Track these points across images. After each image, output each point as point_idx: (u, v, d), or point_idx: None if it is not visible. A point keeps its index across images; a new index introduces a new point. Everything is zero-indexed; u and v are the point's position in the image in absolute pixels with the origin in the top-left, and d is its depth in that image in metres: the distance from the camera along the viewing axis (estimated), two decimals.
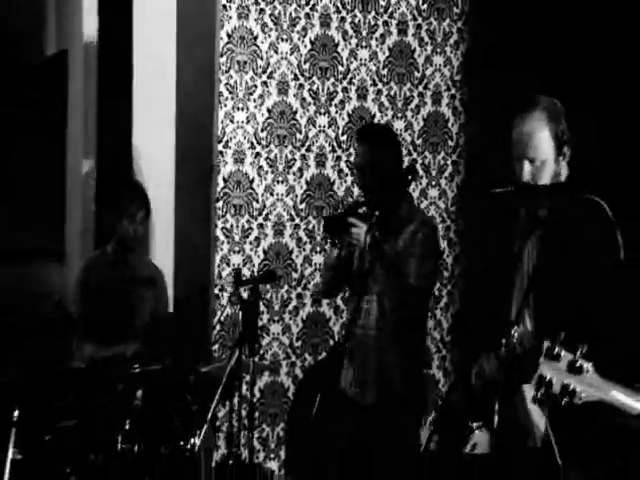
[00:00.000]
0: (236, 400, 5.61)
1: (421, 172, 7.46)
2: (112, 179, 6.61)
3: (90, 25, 7.38)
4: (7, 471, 4.57)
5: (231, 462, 5.63)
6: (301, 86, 7.15)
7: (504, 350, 3.82)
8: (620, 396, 2.75)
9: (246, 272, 6.75)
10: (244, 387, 5.63)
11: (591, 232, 3.83)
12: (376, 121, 7.30)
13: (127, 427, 4.98)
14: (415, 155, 7.43)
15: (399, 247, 4.62)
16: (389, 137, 5.41)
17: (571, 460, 3.77)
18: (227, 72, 6.93)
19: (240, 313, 5.29)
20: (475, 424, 4.06)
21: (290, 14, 7.09)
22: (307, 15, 7.14)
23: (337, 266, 5.18)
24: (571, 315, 3.73)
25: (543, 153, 3.92)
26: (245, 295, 5.30)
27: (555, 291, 3.79)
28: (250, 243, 7.01)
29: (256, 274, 6.38)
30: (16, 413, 4.77)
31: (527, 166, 3.91)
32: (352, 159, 5.91)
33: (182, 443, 5.06)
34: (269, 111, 7.06)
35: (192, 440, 5.04)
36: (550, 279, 3.80)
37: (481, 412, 4.01)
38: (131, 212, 5.90)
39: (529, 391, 3.84)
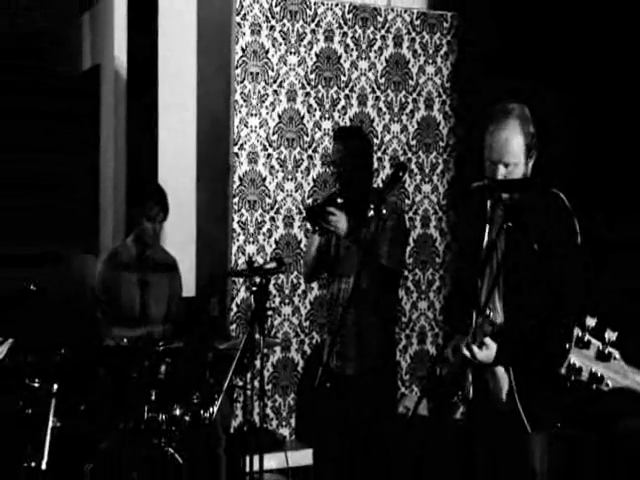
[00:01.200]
0: (251, 374, 5.61)
1: (415, 170, 7.49)
2: (139, 182, 6.62)
3: (120, 42, 7.40)
4: (48, 437, 4.59)
5: (246, 429, 5.66)
6: (307, 94, 7.15)
7: (476, 335, 3.87)
8: None
9: (260, 260, 6.77)
10: (257, 362, 5.64)
11: (552, 220, 3.84)
12: (373, 126, 7.32)
13: (153, 398, 4.97)
14: (410, 154, 7.43)
15: (372, 233, 4.59)
16: (359, 136, 5.40)
17: (538, 426, 3.84)
18: (242, 82, 6.93)
19: (252, 296, 5.31)
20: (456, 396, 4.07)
21: (297, 30, 7.10)
22: (312, 31, 7.14)
23: (318, 251, 5.19)
24: (536, 297, 3.78)
25: (516, 157, 3.86)
26: (257, 280, 5.31)
27: (521, 275, 3.81)
28: (263, 234, 7.02)
29: (267, 262, 6.39)
30: (55, 386, 4.78)
31: (502, 169, 3.85)
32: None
33: (201, 412, 5.05)
34: (279, 117, 7.06)
35: (210, 409, 5.05)
36: (517, 265, 3.81)
37: (458, 384, 4.04)
38: (153, 215, 5.88)
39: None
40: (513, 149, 3.87)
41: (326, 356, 4.87)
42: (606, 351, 2.56)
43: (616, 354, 2.57)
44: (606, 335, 2.55)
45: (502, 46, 6.85)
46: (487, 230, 4.02)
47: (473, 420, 4.09)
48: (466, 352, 3.70)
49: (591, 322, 2.53)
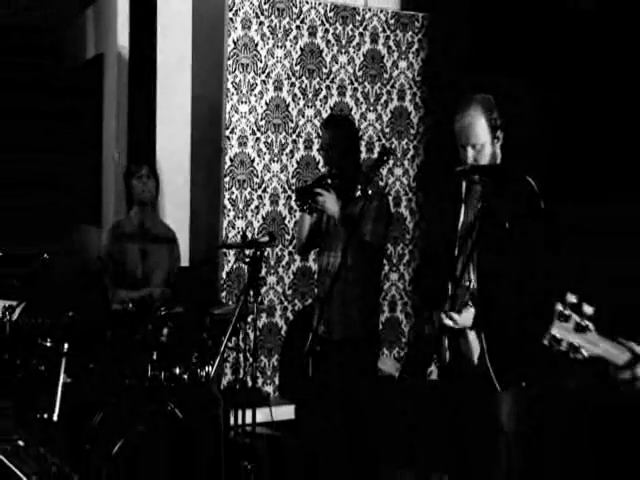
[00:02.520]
0: (241, 337, 5.61)
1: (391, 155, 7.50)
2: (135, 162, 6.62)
3: (123, 33, 7.36)
4: (59, 391, 4.57)
5: (237, 386, 5.69)
6: (293, 84, 7.12)
7: (452, 304, 3.89)
8: (611, 350, 2.67)
9: (248, 234, 6.75)
10: (247, 326, 5.63)
11: (522, 202, 3.88)
12: (352, 114, 7.29)
13: (155, 358, 4.95)
14: (384, 141, 7.45)
15: (357, 212, 4.56)
16: (347, 124, 5.39)
17: (506, 385, 3.87)
18: (233, 72, 6.90)
19: (246, 267, 5.30)
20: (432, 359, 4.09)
21: (284, 26, 7.06)
22: (298, 27, 7.12)
23: (309, 228, 5.17)
24: (506, 268, 3.79)
25: (481, 138, 3.94)
26: (249, 252, 5.30)
27: (494, 249, 3.84)
28: (251, 211, 7.01)
29: (258, 236, 6.35)
30: (66, 346, 4.76)
31: (470, 151, 3.95)
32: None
33: (199, 371, 5.04)
34: (267, 104, 7.03)
35: (207, 369, 5.05)
36: (489, 240, 3.83)
37: (435, 350, 4.06)
38: (139, 174, 5.87)
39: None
40: (477, 132, 3.95)
41: (315, 323, 4.84)
42: (583, 324, 2.59)
43: (591, 327, 2.61)
44: (584, 309, 2.58)
45: (468, 44, 6.89)
46: (463, 209, 4.07)
47: (447, 381, 4.16)
48: (447, 320, 3.77)
49: (572, 298, 2.58)
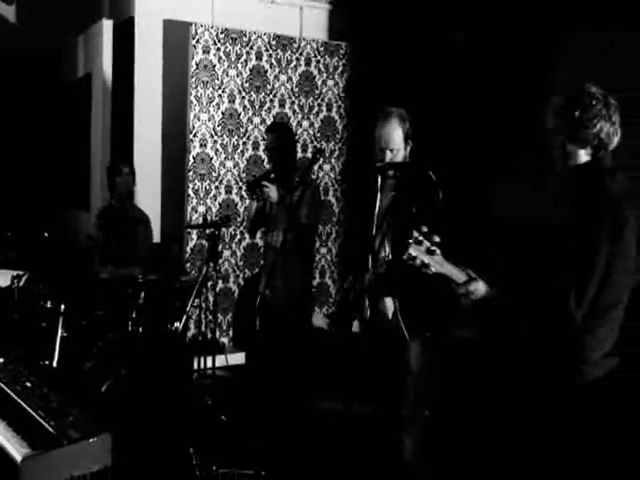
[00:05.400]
0: (202, 298, 5.62)
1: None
2: (117, 159, 6.55)
3: (107, 57, 7.26)
4: (57, 343, 4.54)
5: (199, 338, 5.72)
6: (243, 97, 7.09)
7: (372, 271, 3.93)
8: (453, 270, 2.80)
9: (208, 217, 6.73)
10: (207, 290, 5.65)
11: (424, 191, 3.91)
12: (290, 122, 7.28)
13: (134, 316, 4.95)
14: (315, 143, 7.45)
15: (294, 200, 4.56)
16: (286, 129, 5.37)
17: (413, 336, 3.91)
18: (195, 88, 6.86)
19: (206, 243, 5.28)
20: (355, 315, 4.10)
21: (236, 51, 7.02)
22: (247, 52, 7.08)
23: (256, 213, 5.14)
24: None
25: (397, 144, 3.94)
26: (208, 232, 5.29)
27: (403, 228, 3.85)
28: (210, 198, 6.98)
29: (216, 219, 6.31)
30: (62, 306, 4.72)
31: (388, 154, 3.94)
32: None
33: (169, 326, 5.05)
34: (222, 114, 7.00)
35: (175, 324, 5.04)
36: (400, 222, 3.83)
37: (358, 308, 4.07)
38: (123, 171, 5.85)
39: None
40: (395, 139, 3.95)
41: (262, 288, 4.84)
42: (432, 248, 2.78)
43: (438, 251, 2.79)
44: (433, 238, 2.79)
45: (382, 67, 6.92)
46: (379, 197, 4.08)
47: (367, 333, 4.18)
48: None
49: (424, 229, 2.74)
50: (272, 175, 5.00)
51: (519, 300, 2.78)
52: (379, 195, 4.09)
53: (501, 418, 2.98)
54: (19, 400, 3.29)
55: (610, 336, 2.76)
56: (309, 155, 7.19)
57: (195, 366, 5.63)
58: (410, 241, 2.80)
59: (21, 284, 5.09)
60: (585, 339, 2.71)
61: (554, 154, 2.89)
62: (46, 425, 3.06)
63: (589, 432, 2.72)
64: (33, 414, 3.16)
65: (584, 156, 2.84)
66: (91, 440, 3.00)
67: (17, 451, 2.93)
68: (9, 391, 3.40)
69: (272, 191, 4.85)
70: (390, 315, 3.96)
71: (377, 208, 4.07)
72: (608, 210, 2.67)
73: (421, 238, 2.79)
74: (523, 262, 3.00)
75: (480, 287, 2.81)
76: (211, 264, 5.08)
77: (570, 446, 2.74)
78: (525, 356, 2.85)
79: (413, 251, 2.79)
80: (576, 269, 2.64)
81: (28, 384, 3.48)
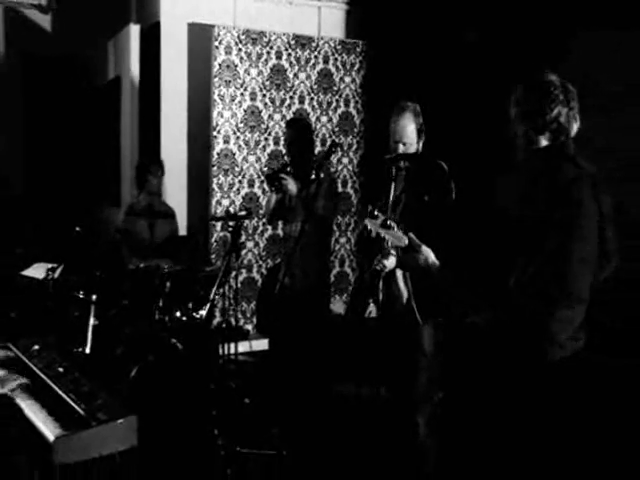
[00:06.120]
0: (226, 288, 5.63)
1: (339, 148, 7.54)
2: (144, 156, 6.59)
3: (135, 60, 7.35)
4: (90, 331, 4.59)
5: (224, 325, 5.69)
6: (264, 95, 7.14)
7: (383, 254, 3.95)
8: (403, 239, 2.89)
9: (231, 210, 6.79)
10: (231, 280, 5.69)
11: (436, 181, 3.93)
12: (309, 118, 7.31)
13: (160, 305, 4.98)
14: (334, 137, 7.49)
15: (312, 192, 4.56)
16: (303, 125, 5.35)
17: (426, 320, 3.93)
18: (218, 87, 6.92)
19: (229, 235, 5.29)
20: (370, 300, 4.11)
21: (257, 51, 7.07)
22: (267, 52, 7.13)
23: (276, 205, 5.15)
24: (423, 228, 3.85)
25: (410, 138, 3.98)
26: (232, 224, 5.31)
27: (416, 216, 3.85)
28: (233, 192, 7.04)
29: (238, 212, 6.35)
30: (94, 297, 4.78)
31: (401, 146, 3.97)
32: None
33: (194, 314, 5.06)
34: (244, 111, 7.06)
35: (200, 312, 5.04)
36: (412, 210, 3.88)
37: (372, 292, 4.09)
38: (154, 171, 5.87)
39: (399, 274, 4.02)
40: (408, 133, 3.99)
41: (281, 276, 4.85)
42: (387, 222, 2.86)
43: (395, 225, 2.87)
44: (375, 213, 2.89)
45: (397, 63, 6.94)
46: (392, 187, 4.06)
47: (383, 317, 4.18)
48: (377, 265, 3.82)
49: (379, 204, 2.79)
50: (289, 168, 5.01)
51: (468, 286, 2.81)
52: (393, 185, 4.07)
53: (484, 400, 2.99)
54: (52, 384, 3.36)
55: (575, 320, 2.75)
56: (326, 148, 7.22)
57: (220, 352, 5.65)
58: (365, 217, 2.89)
59: (56, 276, 5.18)
60: (550, 322, 2.66)
61: (516, 141, 2.92)
62: (77, 407, 3.14)
63: (556, 408, 2.75)
64: (65, 397, 3.23)
65: (544, 142, 2.84)
66: (118, 421, 3.06)
67: (50, 431, 3.00)
68: (43, 376, 3.46)
69: (290, 184, 4.87)
70: (404, 300, 3.97)
71: (391, 198, 4.06)
72: (564, 194, 2.64)
73: (377, 213, 2.87)
74: (485, 248, 3.00)
75: (421, 257, 2.90)
76: (233, 255, 5.10)
77: (539, 422, 2.76)
78: (495, 339, 2.85)
79: (369, 224, 2.90)
80: (530, 254, 2.62)
81: (61, 369, 3.54)
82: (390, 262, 3.84)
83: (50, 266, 5.31)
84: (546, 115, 2.79)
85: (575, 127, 2.84)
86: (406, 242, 2.85)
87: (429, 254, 2.88)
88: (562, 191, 2.65)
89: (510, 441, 2.82)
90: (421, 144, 4.06)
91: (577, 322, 2.75)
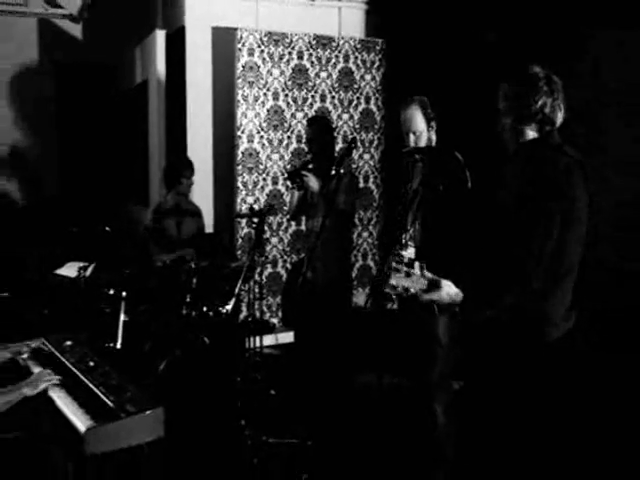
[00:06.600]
0: (252, 283, 5.65)
1: (359, 144, 7.56)
2: (175, 158, 6.63)
3: (161, 64, 7.41)
4: (120, 327, 4.63)
5: (249, 319, 5.73)
6: (286, 95, 7.17)
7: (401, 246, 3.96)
8: (422, 281, 2.82)
9: (255, 207, 6.78)
10: (256, 275, 5.71)
11: (451, 171, 3.93)
12: (331, 115, 7.33)
13: (188, 300, 4.99)
14: (355, 134, 7.51)
15: (332, 187, 4.48)
16: (324, 122, 5.38)
17: (442, 311, 3.92)
18: (242, 88, 6.95)
19: (253, 231, 5.31)
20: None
21: (279, 52, 7.10)
22: (289, 52, 7.16)
23: (298, 202, 5.18)
24: (440, 219, 3.90)
25: (419, 127, 4.04)
26: (256, 220, 5.34)
27: (433, 207, 3.91)
28: (257, 190, 7.09)
29: (261, 208, 6.39)
30: (124, 293, 4.79)
31: (412, 136, 4.05)
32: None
33: (220, 309, 5.01)
34: (267, 111, 7.09)
35: (226, 307, 4.98)
36: (429, 202, 3.89)
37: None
38: (187, 174, 5.94)
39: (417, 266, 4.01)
40: (416, 122, 4.06)
41: (304, 270, 4.89)
42: (410, 271, 2.78)
43: (415, 270, 2.79)
44: (407, 256, 2.80)
45: (416, 60, 6.94)
46: (410, 179, 4.11)
47: (402, 309, 4.22)
48: (399, 289, 3.79)
49: (403, 253, 2.77)
50: (310, 165, 5.02)
51: (479, 285, 2.82)
52: (410, 177, 4.12)
53: (494, 387, 3.04)
54: (83, 378, 3.43)
55: (566, 299, 2.84)
56: (345, 145, 7.23)
57: (246, 345, 5.70)
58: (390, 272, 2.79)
59: (87, 274, 5.25)
60: (545, 305, 2.78)
61: (504, 134, 2.97)
62: (106, 400, 3.20)
63: (555, 385, 2.82)
64: (95, 390, 3.30)
65: (531, 133, 2.91)
66: (146, 413, 3.12)
67: (82, 423, 3.07)
68: (75, 370, 3.54)
69: (311, 180, 4.89)
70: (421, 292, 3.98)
71: (409, 189, 4.10)
72: (556, 183, 2.72)
73: (399, 267, 2.78)
74: (485, 241, 3.04)
75: (443, 293, 2.83)
76: (257, 251, 5.13)
77: (539, 402, 2.82)
78: (495, 325, 2.90)
79: (393, 280, 2.79)
80: (530, 242, 2.69)
81: (92, 364, 3.62)
82: (409, 252, 3.85)
83: (82, 265, 5.38)
84: (531, 106, 2.87)
85: (560, 116, 2.93)
86: (426, 284, 2.86)
87: (449, 287, 2.85)
88: (554, 183, 2.71)
89: (521, 427, 2.87)
90: (433, 133, 4.10)
91: (567, 301, 2.85)
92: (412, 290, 2.80)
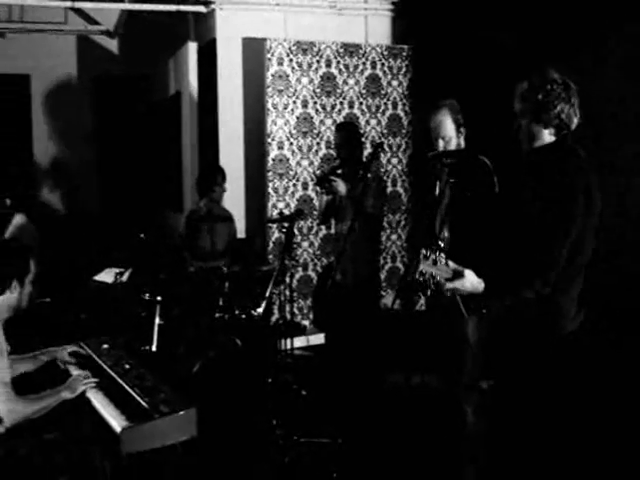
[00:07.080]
0: (282, 287, 5.62)
1: (387, 149, 7.55)
2: (206, 167, 6.67)
3: (193, 76, 7.48)
4: (155, 330, 4.67)
5: (281, 321, 5.76)
6: (315, 102, 7.19)
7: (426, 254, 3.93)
8: (448, 270, 2.86)
9: (285, 212, 6.81)
10: (287, 278, 5.70)
11: (478, 176, 3.91)
12: (359, 121, 7.32)
13: (220, 304, 5.02)
14: (383, 139, 7.48)
15: (360, 191, 4.49)
16: (352, 128, 5.38)
17: (470, 312, 3.95)
18: (272, 96, 6.98)
19: (283, 236, 5.32)
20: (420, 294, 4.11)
21: (307, 61, 7.12)
22: (317, 61, 7.18)
23: (327, 206, 5.19)
24: (468, 222, 3.84)
25: (448, 133, 3.96)
26: (286, 225, 5.34)
27: (460, 212, 3.87)
28: (288, 195, 7.10)
29: (292, 213, 6.38)
30: (159, 298, 4.82)
31: (441, 142, 3.97)
32: None
33: (252, 312, 5.03)
34: (297, 118, 7.11)
35: (258, 310, 5.01)
36: (457, 206, 3.87)
37: (419, 288, 4.09)
38: (220, 182, 5.98)
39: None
40: (445, 127, 3.97)
41: (333, 273, 4.89)
42: (437, 259, 2.84)
43: (441, 260, 2.84)
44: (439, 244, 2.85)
45: (441, 66, 6.92)
46: (437, 184, 4.04)
47: (430, 310, 4.18)
48: (427, 275, 3.76)
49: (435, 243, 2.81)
50: (339, 170, 5.02)
51: (500, 280, 2.87)
52: (437, 182, 4.05)
53: (519, 384, 3.06)
54: (119, 380, 3.48)
55: (577, 293, 2.92)
56: (370, 150, 7.21)
57: (278, 347, 5.70)
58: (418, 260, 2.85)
59: (124, 280, 5.30)
60: (561, 300, 2.85)
61: (520, 135, 3.00)
62: (141, 401, 3.24)
63: (570, 378, 2.84)
64: (131, 391, 3.34)
65: (547, 136, 2.97)
66: (179, 413, 3.16)
67: (118, 423, 3.12)
68: (112, 372, 3.59)
69: (340, 185, 4.89)
70: (449, 294, 3.97)
71: (437, 194, 4.05)
72: (577, 186, 2.78)
73: (428, 255, 2.84)
74: (502, 240, 3.09)
75: (466, 282, 2.87)
76: (287, 255, 5.14)
77: (554, 395, 2.85)
78: (514, 321, 2.93)
79: (423, 266, 2.86)
80: (552, 242, 2.75)
81: (127, 366, 3.67)
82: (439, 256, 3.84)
83: (119, 271, 5.43)
84: (550, 111, 2.91)
85: (575, 121, 2.97)
86: (451, 272, 2.88)
87: (472, 276, 2.88)
88: (577, 183, 2.79)
89: (543, 421, 2.88)
90: (462, 139, 4.03)
91: (576, 293, 2.92)
92: (437, 278, 2.84)
